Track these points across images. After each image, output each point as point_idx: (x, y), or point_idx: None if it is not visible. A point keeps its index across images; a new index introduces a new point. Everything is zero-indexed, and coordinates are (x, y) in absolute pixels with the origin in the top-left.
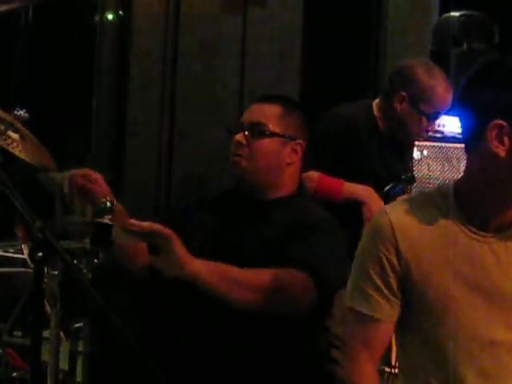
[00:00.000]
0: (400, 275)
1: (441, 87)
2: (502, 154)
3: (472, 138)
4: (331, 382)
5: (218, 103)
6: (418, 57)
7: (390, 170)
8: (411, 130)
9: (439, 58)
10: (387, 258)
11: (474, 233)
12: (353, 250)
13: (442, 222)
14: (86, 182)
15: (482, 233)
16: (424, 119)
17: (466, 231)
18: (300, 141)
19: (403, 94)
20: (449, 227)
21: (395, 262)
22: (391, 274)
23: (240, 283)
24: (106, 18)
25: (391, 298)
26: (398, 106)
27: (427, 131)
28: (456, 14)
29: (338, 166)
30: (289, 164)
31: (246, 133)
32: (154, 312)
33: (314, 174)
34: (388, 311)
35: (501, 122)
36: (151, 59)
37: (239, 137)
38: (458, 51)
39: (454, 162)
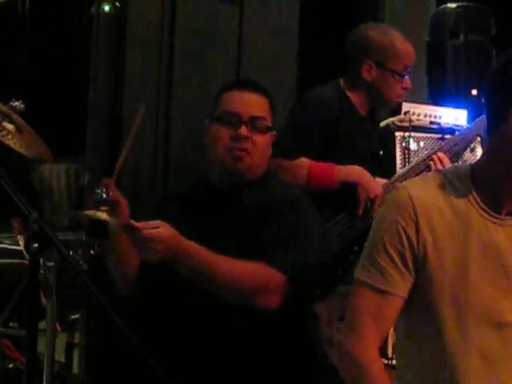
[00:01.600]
0: (416, 251)
1: (399, 40)
2: None
3: (495, 120)
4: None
5: (214, 93)
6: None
7: (371, 148)
8: (390, 94)
9: (436, 49)
10: (405, 232)
11: (489, 214)
12: (352, 232)
13: (458, 202)
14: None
15: (497, 215)
16: (397, 77)
17: (481, 213)
18: (274, 131)
19: (368, 61)
20: (464, 208)
21: (413, 236)
22: (407, 249)
23: (216, 275)
24: (103, 10)
25: (405, 272)
26: (368, 76)
27: (405, 89)
28: (453, 5)
29: (324, 149)
30: (269, 154)
31: (248, 126)
32: (141, 305)
33: (304, 162)
34: (401, 286)
35: None
36: (148, 50)
37: (244, 131)
38: (455, 43)
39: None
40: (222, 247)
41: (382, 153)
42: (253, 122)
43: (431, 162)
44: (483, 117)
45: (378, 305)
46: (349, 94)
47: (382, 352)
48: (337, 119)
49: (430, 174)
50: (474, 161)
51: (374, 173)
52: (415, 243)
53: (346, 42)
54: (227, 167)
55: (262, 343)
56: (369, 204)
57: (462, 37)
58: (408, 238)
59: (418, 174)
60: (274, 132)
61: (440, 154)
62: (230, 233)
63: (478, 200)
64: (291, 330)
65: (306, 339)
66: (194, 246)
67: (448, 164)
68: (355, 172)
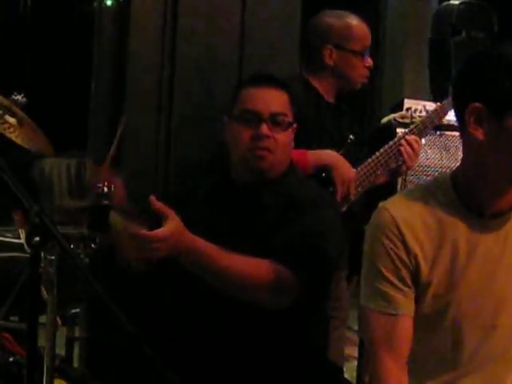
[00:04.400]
0: (410, 268)
1: (354, 21)
2: (480, 136)
3: (459, 124)
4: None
5: (217, 86)
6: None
7: (345, 136)
8: (354, 74)
9: (438, 46)
10: (396, 254)
11: (474, 219)
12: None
13: (442, 211)
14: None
15: (480, 219)
16: (358, 57)
17: (466, 218)
18: (295, 124)
19: (328, 46)
20: (449, 216)
21: (404, 256)
22: (402, 268)
23: (220, 271)
24: (105, 4)
25: (406, 289)
26: (330, 61)
27: (367, 68)
28: (455, 2)
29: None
30: (292, 149)
31: (269, 124)
32: (148, 298)
33: None
34: (405, 304)
35: (478, 105)
36: (150, 44)
37: (265, 129)
38: (457, 40)
39: (452, 150)
40: (239, 244)
41: (352, 137)
42: (273, 119)
43: (401, 147)
44: (449, 98)
45: (389, 329)
46: (314, 82)
47: None
48: (303, 113)
49: (410, 189)
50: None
51: (347, 158)
52: (407, 261)
53: (305, 33)
54: (250, 166)
55: (269, 341)
56: (345, 187)
57: (464, 34)
58: (399, 258)
59: (390, 158)
60: (295, 125)
61: (408, 137)
62: (249, 230)
63: (461, 206)
64: (299, 330)
65: (314, 341)
66: (198, 241)
67: (417, 146)
68: (328, 156)
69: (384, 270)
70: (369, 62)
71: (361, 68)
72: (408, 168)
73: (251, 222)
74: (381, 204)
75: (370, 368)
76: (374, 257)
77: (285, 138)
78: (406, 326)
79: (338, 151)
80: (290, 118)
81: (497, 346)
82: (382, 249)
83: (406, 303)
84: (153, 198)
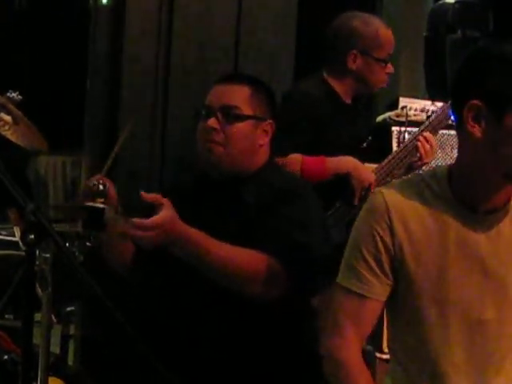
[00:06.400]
0: (392, 255)
1: (382, 28)
2: (478, 134)
3: (457, 120)
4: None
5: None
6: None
7: (360, 137)
8: (375, 80)
9: (434, 44)
10: (381, 237)
11: (466, 214)
12: (347, 219)
13: (435, 203)
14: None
15: (473, 215)
16: (381, 65)
17: (459, 212)
18: (270, 121)
19: (354, 51)
20: (441, 209)
21: (388, 241)
22: (384, 253)
23: (213, 260)
24: (101, 2)
25: (382, 277)
26: (353, 66)
27: (388, 74)
28: (451, 0)
29: (311, 144)
30: (261, 145)
31: (219, 117)
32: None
33: (296, 158)
34: (378, 290)
35: (477, 102)
36: (146, 42)
37: (212, 122)
38: (453, 38)
39: (448, 148)
40: (221, 240)
41: (370, 138)
42: (224, 112)
43: (418, 143)
44: None
45: (357, 308)
46: (333, 83)
47: (377, 346)
48: (323, 111)
49: (408, 177)
50: None
51: (365, 159)
52: (391, 247)
53: (328, 32)
54: (203, 160)
55: (259, 336)
56: (364, 192)
57: (459, 32)
58: (383, 242)
59: (406, 156)
60: (269, 121)
61: (426, 134)
62: (230, 227)
63: (455, 200)
64: (289, 324)
65: (302, 335)
66: (191, 231)
67: (434, 142)
68: (347, 163)
69: (365, 252)
70: (390, 68)
71: (382, 74)
72: (423, 164)
73: (233, 220)
74: (377, 188)
75: (329, 337)
76: (359, 237)
77: (237, 130)
78: (373, 310)
79: (353, 151)
80: (243, 111)
81: (485, 344)
82: (367, 230)
83: (378, 288)
84: (143, 193)
